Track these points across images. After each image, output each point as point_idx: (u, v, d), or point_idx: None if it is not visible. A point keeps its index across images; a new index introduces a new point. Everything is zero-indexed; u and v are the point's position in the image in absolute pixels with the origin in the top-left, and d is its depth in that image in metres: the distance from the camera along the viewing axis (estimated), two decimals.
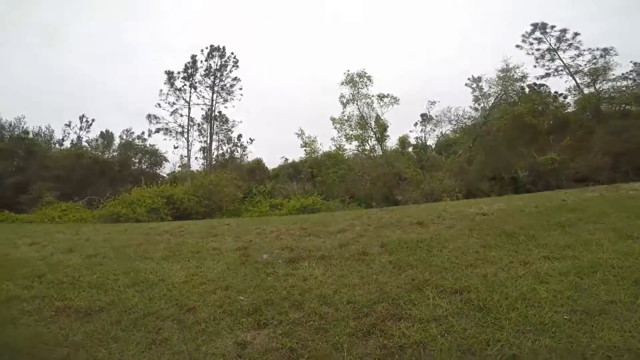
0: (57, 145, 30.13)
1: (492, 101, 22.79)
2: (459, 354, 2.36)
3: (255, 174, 27.42)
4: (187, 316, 3.28)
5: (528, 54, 24.00)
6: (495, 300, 3.01)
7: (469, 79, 24.29)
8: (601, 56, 21.36)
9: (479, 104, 23.71)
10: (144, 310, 3.43)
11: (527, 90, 23.96)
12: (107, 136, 31.87)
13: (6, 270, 4.99)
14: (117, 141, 31.30)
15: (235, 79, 29.99)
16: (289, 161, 30.36)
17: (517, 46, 24.14)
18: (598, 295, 2.89)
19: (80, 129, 31.99)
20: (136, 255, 5.75)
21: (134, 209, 14.64)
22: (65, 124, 31.70)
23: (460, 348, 2.41)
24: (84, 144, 31.09)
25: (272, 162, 31.52)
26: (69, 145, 30.24)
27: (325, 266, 4.49)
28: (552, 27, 23.52)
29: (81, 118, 32.23)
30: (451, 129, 26.14)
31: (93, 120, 32.43)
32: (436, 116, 26.26)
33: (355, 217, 8.22)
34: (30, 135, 27.14)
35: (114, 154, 29.83)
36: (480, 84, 23.51)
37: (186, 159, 29.52)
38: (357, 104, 24.69)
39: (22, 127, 26.71)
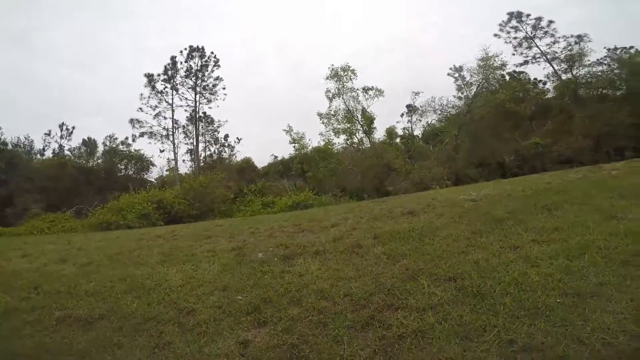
0: (38, 156, 29.50)
1: (475, 90, 23.14)
2: (457, 340, 2.41)
3: (245, 173, 27.28)
4: (187, 319, 3.29)
5: (506, 42, 24.62)
6: (489, 286, 3.08)
7: (450, 68, 24.59)
8: (576, 43, 22.03)
9: (462, 93, 24.07)
10: (143, 316, 3.43)
11: (507, 77, 24.57)
12: (89, 143, 31.23)
13: (2, 283, 4.92)
14: (100, 148, 30.79)
15: (217, 78, 29.70)
16: (279, 158, 30.35)
17: (495, 35, 24.66)
18: (588, 277, 2.96)
19: (61, 137, 31.34)
20: (130, 261, 5.70)
21: (124, 216, 14.45)
22: (45, 133, 31.01)
23: (458, 335, 2.47)
24: (67, 152, 30.50)
25: (261, 161, 31.50)
26: (50, 155, 29.62)
27: (321, 261, 4.53)
28: (528, 15, 24.10)
29: (61, 126, 31.54)
30: (437, 119, 26.45)
31: (74, 127, 31.80)
32: (421, 106, 26.52)
33: (347, 211, 8.29)
34: (9, 147, 26.39)
35: (99, 161, 29.32)
36: (462, 74, 23.83)
37: (173, 162, 29.21)
38: (343, 98, 24.81)
39: (0, 138, 25.94)
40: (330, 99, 25.01)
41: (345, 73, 24.58)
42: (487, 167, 20.45)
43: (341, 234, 5.81)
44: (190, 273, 4.71)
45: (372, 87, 24.97)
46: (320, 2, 55.43)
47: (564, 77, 22.86)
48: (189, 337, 2.91)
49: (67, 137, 31.46)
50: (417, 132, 30.14)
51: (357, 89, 24.81)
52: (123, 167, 29.54)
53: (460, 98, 24.13)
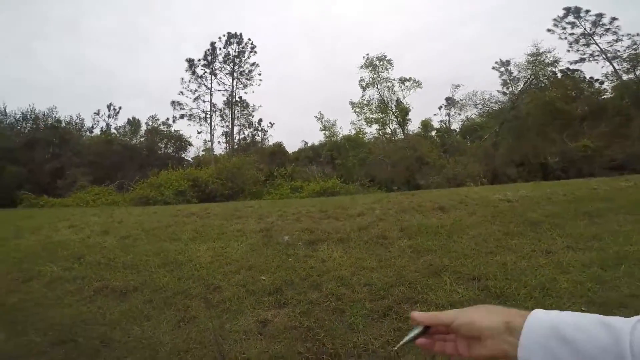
0: (87, 133, 31.63)
1: (522, 86, 21.75)
2: None
3: (276, 157, 27.73)
4: (213, 295, 3.48)
5: (560, 38, 22.80)
6: (513, 288, 3.01)
7: (496, 62, 23.17)
8: None
9: (507, 88, 22.69)
10: (173, 290, 3.65)
11: (559, 75, 22.84)
12: (133, 123, 33.05)
13: (50, 253, 5.33)
14: (143, 127, 32.51)
15: (253, 64, 30.18)
16: (309, 144, 30.53)
17: (549, 30, 22.85)
18: (619, 288, 2.84)
19: (109, 116, 33.30)
20: (165, 236, 6.05)
21: (162, 192, 15.27)
22: (95, 113, 33.10)
23: None
24: (113, 130, 32.43)
25: (292, 146, 31.84)
26: (98, 133, 31.68)
27: (344, 249, 4.58)
28: (587, 11, 22.20)
29: (109, 106, 33.49)
30: (477, 113, 25.20)
31: (120, 108, 33.65)
32: (461, 100, 25.38)
33: (375, 201, 8.23)
34: (63, 124, 28.56)
35: (141, 139, 30.99)
36: (508, 68, 22.42)
37: (209, 143, 30.35)
38: (377, 88, 24.26)
39: (55, 117, 28.14)
40: (364, 88, 24.58)
41: (381, 63, 23.98)
42: (527, 167, 19.31)
43: (367, 223, 5.80)
44: (219, 251, 4.94)
45: (410, 78, 24.20)
46: None
47: (625, 77, 21.10)
48: (212, 313, 3.08)
49: (114, 117, 33.46)
50: (455, 126, 28.97)
51: (393, 79, 24.16)
52: (163, 145, 31.09)
53: (504, 93, 22.80)
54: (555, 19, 22.87)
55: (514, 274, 3.32)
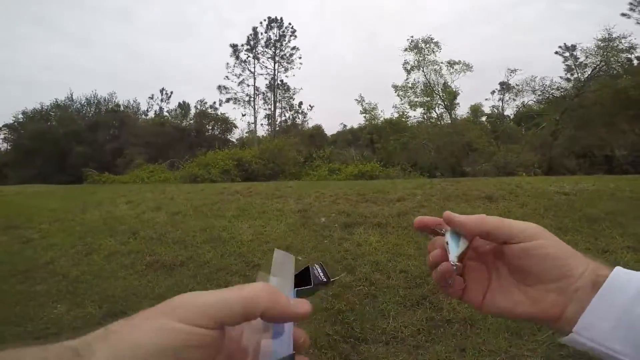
0: (143, 116, 34.09)
1: (589, 72, 19.40)
2: (507, 335, 2.29)
3: (315, 139, 27.85)
4: (252, 272, 3.63)
5: (638, 22, 19.77)
6: None
7: (560, 47, 20.81)
8: None
9: (571, 74, 20.37)
10: (217, 266, 3.84)
11: (635, 62, 19.96)
12: (184, 106, 34.97)
13: (109, 227, 5.78)
14: (192, 111, 34.34)
15: (294, 48, 30.30)
16: (348, 127, 30.22)
17: (623, 14, 19.79)
18: None
19: (161, 100, 35.55)
20: (212, 213, 6.37)
21: (209, 170, 16.09)
22: (149, 97, 35.48)
23: (509, 330, 2.34)
24: (165, 114, 34.60)
25: (331, 128, 31.97)
26: (152, 116, 34.00)
27: (381, 233, 4.53)
28: None
29: (161, 91, 35.65)
30: (535, 100, 23.03)
31: (172, 92, 35.73)
32: (517, 85, 23.28)
33: (416, 187, 7.97)
34: (122, 108, 31.01)
35: (191, 122, 32.78)
36: (574, 53, 20.05)
37: (253, 125, 31.30)
38: (423, 71, 23.06)
39: (114, 101, 30.68)
40: (408, 72, 23.48)
41: (427, 45, 22.66)
42: (590, 158, 17.52)
43: (407, 209, 5.66)
44: (259, 229, 5.12)
45: (459, 61, 22.67)
46: None
47: None
48: None
49: (166, 101, 35.66)
50: (509, 112, 26.85)
51: (441, 62, 22.78)
52: (210, 127, 32.68)
53: (568, 80, 20.49)
54: (631, 2, 19.90)
55: None
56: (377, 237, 4.37)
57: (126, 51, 50.48)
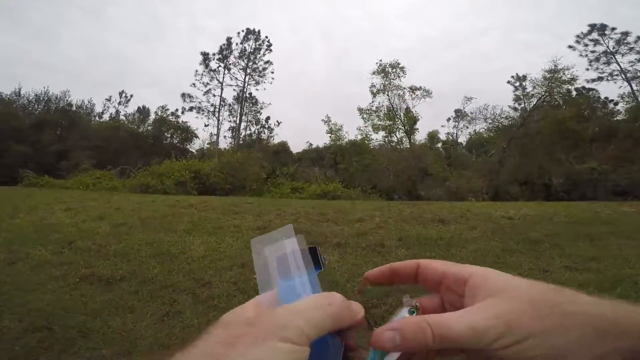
0: (97, 118, 31.84)
1: (534, 102, 21.47)
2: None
3: (280, 156, 27.72)
4: (202, 290, 3.40)
5: (581, 55, 22.46)
6: None
7: (512, 76, 23.00)
8: None
9: (519, 104, 22.45)
10: (162, 282, 3.57)
11: (574, 93, 22.45)
12: (143, 111, 33.27)
13: (41, 235, 5.24)
14: (152, 116, 32.70)
15: (267, 62, 30.33)
16: (313, 146, 30.54)
17: (570, 47, 22.58)
18: None
19: (119, 103, 33.58)
20: (161, 226, 6.00)
21: (163, 181, 15.25)
22: (106, 99, 33.39)
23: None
24: (122, 117, 32.62)
25: (296, 146, 31.92)
26: (107, 118, 31.87)
27: (340, 253, 4.51)
28: (613, 29, 21.82)
29: (121, 93, 33.75)
30: (485, 128, 25.02)
31: (131, 96, 33.91)
32: (471, 113, 25.19)
33: (375, 208, 8.15)
34: (74, 108, 28.80)
35: (149, 128, 31.12)
36: (524, 84, 22.18)
37: (215, 137, 30.50)
38: (387, 95, 24.23)
39: (67, 100, 28.43)
40: (374, 94, 24.57)
41: (394, 70, 23.95)
42: (531, 186, 19.15)
43: (366, 230, 5.72)
44: (213, 245, 4.88)
45: (420, 87, 24.18)
46: None
47: None
48: (199, 309, 3.00)
49: (125, 104, 33.71)
50: (462, 139, 28.90)
51: (404, 88, 24.12)
52: (169, 135, 31.22)
53: (516, 109, 22.52)
54: (578, 35, 22.56)
55: None
56: (337, 257, 4.34)
57: (88, 48, 47.23)
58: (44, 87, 27.78)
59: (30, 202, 8.17)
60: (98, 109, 32.60)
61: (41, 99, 27.49)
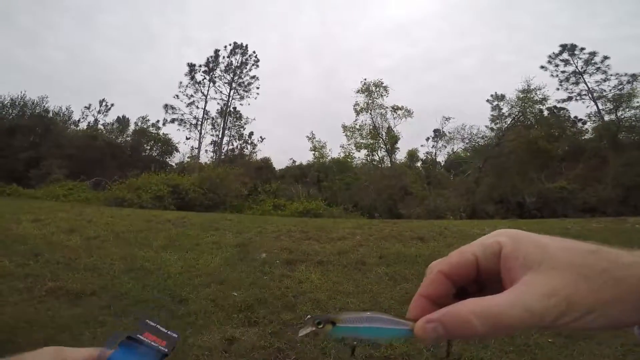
0: (73, 126, 30.72)
1: (509, 122, 22.31)
2: None
3: (262, 172, 27.56)
4: (178, 307, 3.30)
5: (552, 75, 23.06)
6: None
7: (491, 95, 23.81)
8: (628, 82, 20.30)
9: (495, 124, 23.27)
10: (136, 297, 3.45)
11: (545, 113, 23.19)
12: (123, 121, 32.38)
13: (5, 246, 4.99)
14: (132, 127, 31.84)
15: (253, 77, 30.49)
16: (296, 163, 30.56)
17: (542, 67, 23.32)
18: None
19: (99, 112, 32.53)
20: (136, 241, 5.81)
21: (140, 195, 14.80)
22: (85, 107, 32.28)
23: None
24: (100, 127, 31.64)
25: (279, 163, 31.78)
26: (85, 127, 30.83)
27: (322, 271, 4.49)
28: (582, 49, 22.63)
29: (101, 102, 32.81)
30: (463, 147, 25.89)
31: (112, 105, 32.97)
32: (449, 133, 26.01)
33: (357, 226, 8.20)
34: (50, 115, 27.74)
35: (127, 138, 30.29)
36: (500, 104, 22.99)
37: (196, 150, 29.99)
38: (370, 114, 24.77)
39: (44, 106, 27.38)
40: (358, 113, 25.06)
41: (377, 89, 24.62)
42: (506, 204, 19.84)
43: (347, 248, 5.74)
44: (191, 262, 4.76)
45: (402, 106, 24.86)
46: (362, 12, 55.62)
47: (607, 118, 21.44)
48: (175, 325, 2.90)
49: (104, 113, 32.66)
50: (440, 158, 29.72)
51: (387, 107, 24.76)
52: (148, 147, 30.47)
53: (492, 129, 23.28)
54: (550, 56, 23.26)
55: None
56: (319, 275, 4.32)
57: (72, 54, 45.96)
58: (21, 92, 26.59)
59: None
60: (76, 116, 31.55)
61: (17, 103, 26.32)
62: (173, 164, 29.85)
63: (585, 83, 22.50)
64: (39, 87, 56.08)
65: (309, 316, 0.35)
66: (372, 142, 24.74)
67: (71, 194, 15.66)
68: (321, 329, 0.33)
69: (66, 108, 30.30)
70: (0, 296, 3.36)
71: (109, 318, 3.00)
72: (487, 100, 23.84)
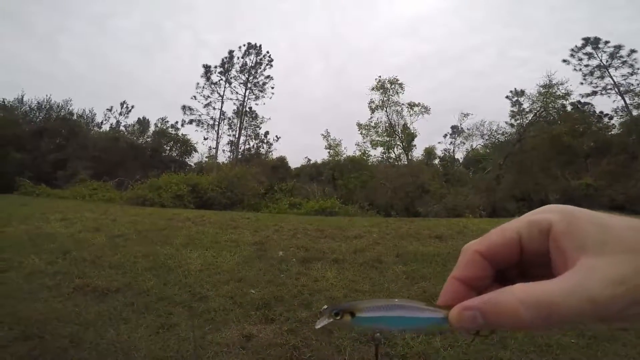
0: (96, 128, 31.89)
1: (530, 118, 21.55)
2: None
3: (278, 171, 27.77)
4: (198, 304, 3.37)
5: (575, 69, 22.35)
6: None
7: (511, 91, 23.20)
8: None
9: (515, 120, 22.54)
10: (158, 295, 3.54)
11: (569, 108, 22.22)
12: (143, 123, 33.37)
13: (35, 244, 5.21)
14: (152, 128, 32.80)
15: (268, 77, 30.79)
16: (312, 162, 30.64)
17: (564, 61, 22.61)
18: None
19: (120, 114, 33.70)
20: (158, 239, 5.98)
21: (161, 194, 15.22)
22: (107, 109, 33.51)
23: None
24: (122, 128, 32.72)
25: (295, 162, 31.97)
26: (107, 129, 31.95)
27: (338, 269, 4.50)
28: (606, 42, 21.85)
29: (122, 104, 33.96)
30: (482, 144, 25.18)
31: (132, 107, 34.09)
32: (468, 129, 25.40)
33: (373, 224, 8.16)
34: (75, 117, 28.89)
35: (148, 139, 31.19)
36: (520, 99, 22.28)
37: (214, 150, 30.59)
38: (386, 111, 24.45)
39: (68, 109, 28.55)
40: (373, 110, 24.79)
41: (392, 86, 24.26)
42: (528, 202, 19.22)
43: (363, 246, 5.72)
44: (210, 260, 4.86)
45: (419, 103, 24.45)
46: (372, 10, 55.14)
47: (635, 112, 20.59)
48: (195, 322, 2.97)
49: (125, 115, 33.82)
50: (459, 155, 29.13)
51: (402, 104, 24.39)
52: (168, 148, 31.28)
53: (512, 125, 22.49)
54: (572, 49, 22.53)
55: None
56: (334, 273, 4.33)
57: (92, 59, 47.93)
58: (47, 95, 27.85)
59: (25, 211, 8.14)
60: (99, 118, 32.72)
61: (43, 107, 27.58)
62: (192, 164, 30.58)
63: (611, 77, 21.63)
64: (62, 92, 58.57)
65: (325, 306, 0.33)
66: (388, 139, 24.44)
67: (96, 193, 16.25)
68: (339, 321, 0.31)
69: (89, 110, 31.53)
70: (31, 293, 3.50)
71: (132, 315, 3.09)
72: (507, 97, 23.19)
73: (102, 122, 32.84)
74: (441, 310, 0.28)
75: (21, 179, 16.89)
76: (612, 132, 22.72)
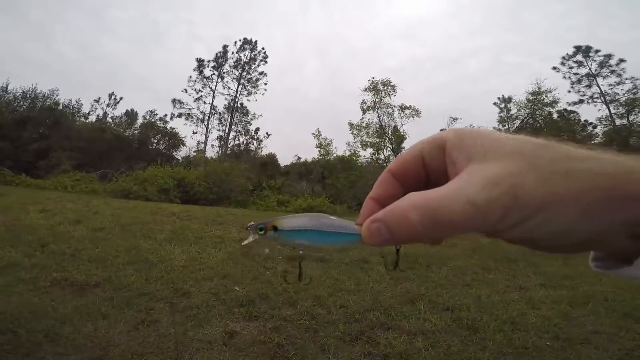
0: (82, 119, 31.05)
1: (517, 124, 21.97)
2: None
3: (267, 168, 27.56)
4: (180, 300, 3.32)
5: (565, 77, 22.56)
6: (484, 320, 3.06)
7: (498, 98, 23.55)
8: None
9: (503, 126, 22.96)
10: (139, 290, 3.47)
11: (555, 116, 22.70)
12: (131, 115, 32.71)
13: (13, 236, 5.04)
14: (140, 120, 32.13)
15: (261, 73, 30.53)
16: (302, 160, 30.55)
17: (554, 68, 22.86)
18: (585, 325, 3.00)
19: (108, 105, 32.88)
20: (140, 233, 5.87)
21: (146, 188, 14.94)
22: (95, 100, 32.63)
23: None
24: (109, 120, 31.96)
25: (284, 159, 31.90)
26: (94, 120, 31.16)
27: (324, 268, 4.52)
28: (597, 51, 22.10)
29: (110, 95, 33.15)
30: None
31: (121, 98, 33.30)
32: None
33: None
34: (60, 107, 28.08)
35: (135, 132, 30.55)
36: (509, 105, 22.66)
37: (203, 145, 30.17)
38: (377, 112, 24.64)
39: (54, 99, 27.74)
40: (364, 111, 24.95)
41: (385, 88, 24.46)
42: None
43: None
44: (194, 255, 4.80)
45: (410, 106, 24.71)
46: (370, 11, 55.37)
47: (618, 122, 20.98)
48: (177, 319, 2.92)
49: (113, 106, 32.98)
50: None
51: (394, 106, 24.61)
52: (155, 141, 30.70)
53: (499, 131, 23.00)
54: (563, 57, 22.83)
55: (487, 307, 3.39)
56: (320, 272, 4.34)
57: (83, 48, 46.51)
58: (32, 85, 26.99)
59: (4, 201, 7.88)
60: (86, 109, 31.87)
61: (28, 96, 26.73)
62: (179, 158, 30.08)
63: (598, 85, 21.97)
64: (50, 81, 56.90)
65: (251, 223, 0.34)
66: (378, 140, 24.63)
67: (78, 185, 15.83)
68: (264, 235, 0.33)
69: (76, 101, 30.68)
70: (7, 286, 3.37)
71: (112, 310, 3.01)
72: (494, 103, 23.58)
73: (88, 113, 31.99)
74: (357, 228, 0.29)
75: (1, 167, 16.33)
76: (595, 141, 23.34)
